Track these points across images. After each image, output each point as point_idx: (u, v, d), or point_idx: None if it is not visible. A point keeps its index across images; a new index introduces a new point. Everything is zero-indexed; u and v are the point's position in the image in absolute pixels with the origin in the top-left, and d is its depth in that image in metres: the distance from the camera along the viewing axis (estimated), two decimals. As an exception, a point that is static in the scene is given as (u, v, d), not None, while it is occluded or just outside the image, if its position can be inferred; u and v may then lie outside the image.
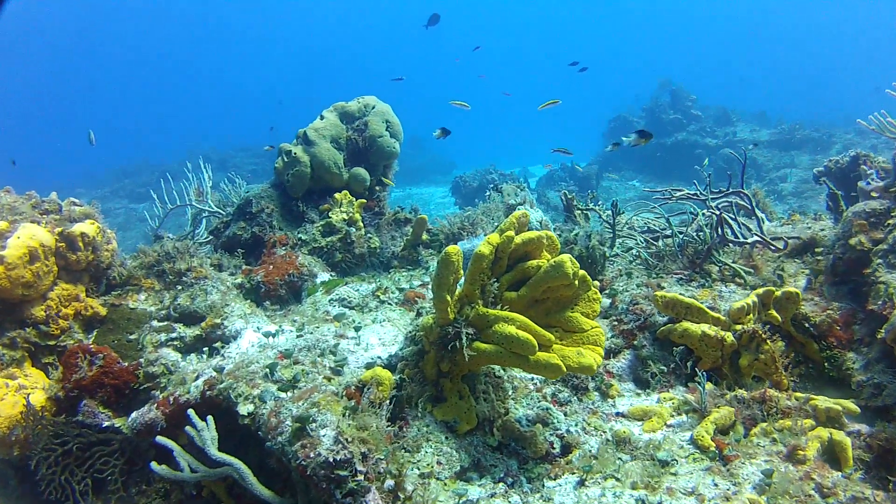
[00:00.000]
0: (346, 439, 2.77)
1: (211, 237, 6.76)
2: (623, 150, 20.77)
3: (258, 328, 4.78)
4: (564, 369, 3.40)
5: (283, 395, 3.31)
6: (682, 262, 5.57)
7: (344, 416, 3.00)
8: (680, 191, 6.67)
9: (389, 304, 5.39)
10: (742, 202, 6.36)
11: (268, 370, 3.59)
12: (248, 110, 57.53)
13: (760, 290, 4.33)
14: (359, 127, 6.77)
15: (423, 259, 6.46)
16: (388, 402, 3.31)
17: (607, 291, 5.00)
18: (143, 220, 23.11)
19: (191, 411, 3.04)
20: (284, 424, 2.99)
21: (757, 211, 6.13)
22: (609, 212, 6.05)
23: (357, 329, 4.32)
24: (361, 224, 6.37)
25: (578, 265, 3.69)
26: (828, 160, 8.93)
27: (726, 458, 3.48)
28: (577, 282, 3.68)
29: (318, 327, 4.60)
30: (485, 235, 6.03)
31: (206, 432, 2.94)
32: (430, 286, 5.76)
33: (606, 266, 5.18)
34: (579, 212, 7.36)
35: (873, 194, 5.29)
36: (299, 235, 6.15)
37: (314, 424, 2.90)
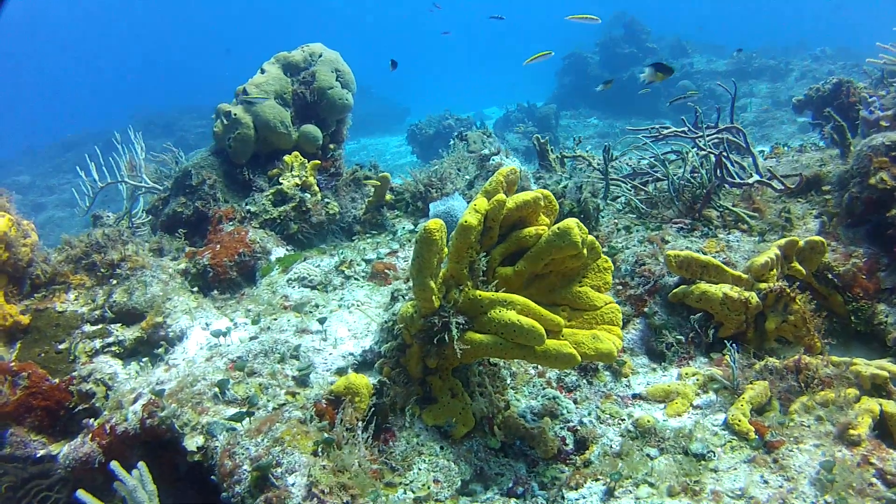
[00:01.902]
0: (323, 490, 2.08)
1: (150, 217, 5.87)
2: (578, 87, 20.01)
3: (206, 325, 4.03)
4: (579, 359, 2.76)
5: (237, 426, 2.59)
6: (677, 209, 4.95)
7: (316, 453, 2.31)
8: (667, 128, 6.01)
9: (356, 279, 4.67)
10: (735, 138, 5.74)
11: (217, 389, 2.86)
12: (193, 66, 54.37)
13: (782, 242, 3.73)
14: (305, 79, 5.89)
15: (388, 222, 5.72)
16: (368, 420, 2.63)
17: (605, 249, 4.36)
18: (86, 196, 21.63)
19: (114, 465, 2.31)
20: (242, 470, 2.28)
21: (752, 147, 5.52)
22: (599, 158, 5.36)
23: (322, 321, 3.59)
24: (317, 188, 5.57)
25: (587, 230, 3.01)
26: (808, 88, 8.36)
27: (770, 444, 2.92)
28: (585, 250, 3.01)
29: (276, 318, 3.86)
30: (458, 193, 5.30)
31: (140, 490, 2.21)
32: (399, 254, 5.04)
33: (600, 220, 4.52)
34: (554, 157, 6.67)
35: (883, 123, 4.70)
36: (248, 207, 5.32)
37: (279, 469, 2.21)
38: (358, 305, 3.92)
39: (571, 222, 2.91)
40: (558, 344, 2.77)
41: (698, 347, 3.68)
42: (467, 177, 5.76)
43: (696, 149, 5.65)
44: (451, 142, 7.67)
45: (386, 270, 4.68)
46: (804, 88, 17.31)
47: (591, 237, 3.07)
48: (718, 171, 4.95)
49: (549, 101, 20.70)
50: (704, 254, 4.25)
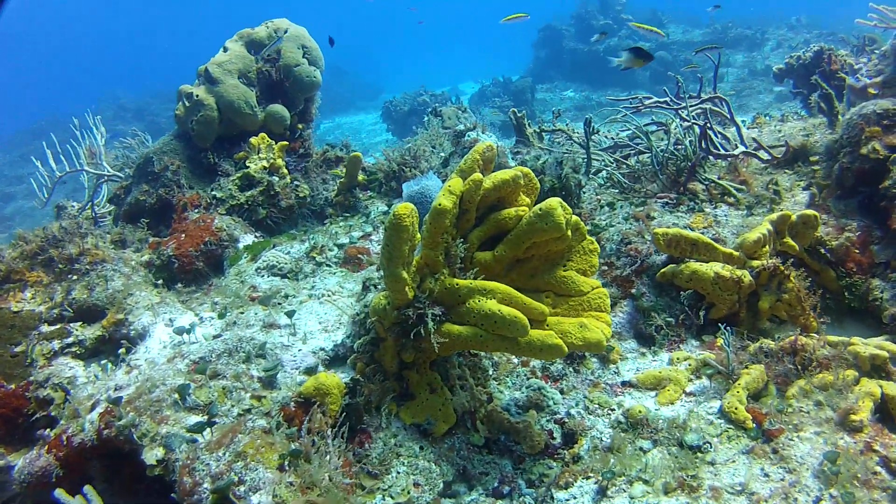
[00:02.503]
0: (288, 511, 1.86)
1: (113, 206, 5.54)
2: (554, 59, 19.69)
3: (171, 321, 3.76)
4: (566, 350, 2.56)
5: (198, 437, 2.34)
6: (662, 183, 4.74)
7: (283, 467, 2.07)
8: (648, 98, 5.77)
9: (328, 265, 4.42)
10: (718, 108, 5.52)
11: (178, 395, 2.61)
12: (162, 49, 52.88)
13: (774, 217, 3.53)
14: (270, 56, 5.56)
15: (360, 203, 5.45)
16: (341, 422, 2.41)
17: (588, 227, 4.13)
18: (61, 182, 20.95)
19: (59, 493, 2.06)
20: (202, 489, 2.05)
21: (736, 118, 5.31)
22: (579, 131, 5.11)
23: (290, 315, 3.34)
24: (286, 171, 5.28)
25: (570, 210, 2.79)
26: (788, 57, 8.16)
27: (769, 433, 2.75)
28: (569, 231, 2.79)
29: (243, 312, 3.60)
30: (433, 171, 5.05)
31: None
32: (372, 237, 4.79)
33: (582, 196, 4.30)
34: (532, 131, 6.42)
35: (871, 91, 4.51)
36: (213, 193, 5.02)
37: (242, 488, 1.97)
38: (329, 295, 3.67)
39: (554, 202, 2.68)
40: (543, 335, 2.56)
41: (689, 330, 3.50)
42: (442, 154, 5.50)
43: (678, 120, 5.43)
44: (426, 118, 7.39)
45: (359, 255, 4.43)
46: (781, 58, 17.20)
47: (575, 218, 2.84)
48: (703, 142, 4.74)
49: (524, 74, 20.34)
50: (692, 230, 4.06)
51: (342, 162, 5.83)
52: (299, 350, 3.07)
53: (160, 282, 4.50)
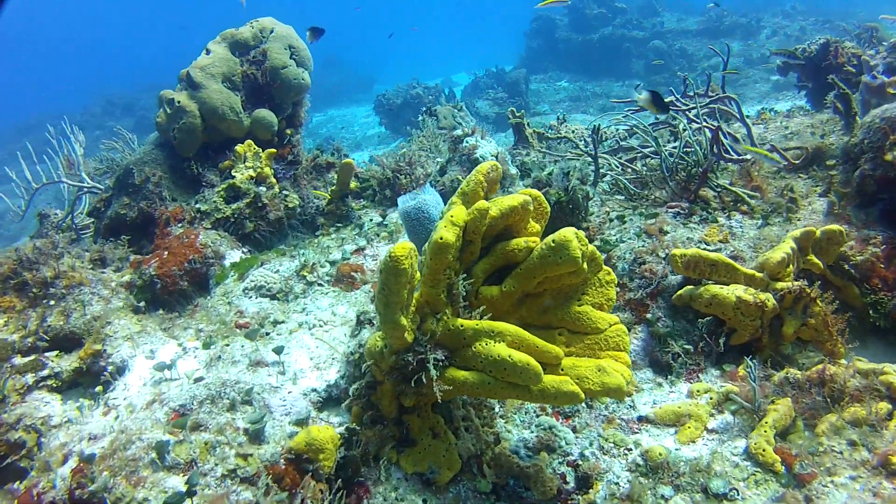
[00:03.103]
0: None
1: (92, 220, 5.25)
2: (548, 49, 19.34)
3: (152, 352, 3.49)
4: (583, 397, 2.30)
5: (172, 511, 2.08)
6: (671, 189, 4.48)
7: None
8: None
9: (319, 284, 4.15)
10: (727, 108, 5.24)
11: (156, 453, 2.35)
12: (151, 42, 51.93)
13: (798, 233, 3.28)
14: (256, 58, 5.25)
15: (353, 213, 5.17)
16: (336, 490, 2.15)
17: (597, 243, 3.88)
18: (43, 190, 20.43)
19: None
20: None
21: (746, 118, 5.04)
22: (582, 129, 4.83)
23: (279, 351, 3.07)
24: (273, 180, 4.99)
25: (587, 241, 2.52)
26: (793, 49, 7.87)
27: (800, 478, 2.51)
28: (585, 264, 2.52)
29: (228, 344, 3.33)
30: (430, 183, 4.77)
31: None
32: (366, 252, 4.52)
33: (590, 208, 4.02)
34: (531, 132, 6.14)
35: (890, 91, 4.24)
36: (198, 206, 4.73)
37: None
38: (321, 326, 3.40)
39: (569, 234, 2.41)
40: (558, 381, 2.30)
41: (708, 357, 3.25)
42: (439, 160, 5.22)
43: (687, 121, 5.16)
44: (420, 118, 7.08)
45: (352, 273, 4.16)
46: (777, 45, 16.91)
47: (591, 247, 2.58)
48: (715, 146, 4.47)
49: (518, 64, 19.99)
50: (707, 245, 3.81)
51: (333, 168, 5.55)
52: (289, 392, 2.81)
53: (142, 304, 4.23)
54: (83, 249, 4.63)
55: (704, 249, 3.78)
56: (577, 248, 2.40)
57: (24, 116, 27.07)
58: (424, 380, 2.35)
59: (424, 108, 6.82)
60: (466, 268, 2.61)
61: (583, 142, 4.61)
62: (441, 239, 2.32)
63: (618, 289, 3.59)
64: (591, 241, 3.93)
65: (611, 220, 4.04)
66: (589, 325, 2.60)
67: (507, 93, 15.66)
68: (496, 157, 4.50)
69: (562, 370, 2.42)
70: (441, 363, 2.38)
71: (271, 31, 5.40)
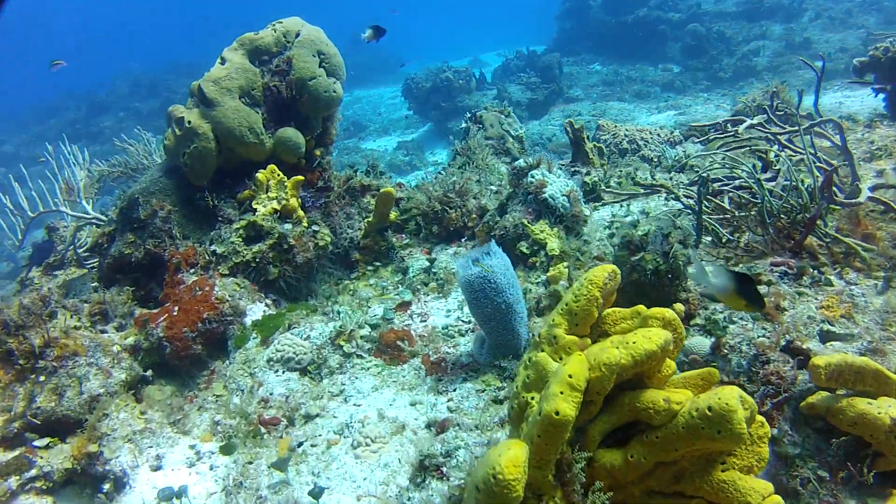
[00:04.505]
0: None
1: (96, 256, 4.46)
2: (581, 31, 18.10)
3: (158, 459, 2.71)
4: None
5: None
6: (770, 236, 3.56)
7: None
8: (739, 121, 4.49)
9: (359, 356, 3.33)
10: (829, 133, 4.26)
11: None
12: (176, 21, 50.55)
13: None
14: (279, 67, 4.37)
15: (394, 250, 4.32)
16: None
17: (700, 321, 2.99)
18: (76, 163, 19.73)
19: None
20: None
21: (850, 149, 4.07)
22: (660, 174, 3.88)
23: (317, 495, 2.26)
24: (301, 212, 4.16)
25: (751, 401, 1.65)
26: (873, 48, 6.75)
27: None
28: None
29: (251, 461, 2.53)
30: (482, 226, 3.89)
31: None
32: (413, 308, 3.69)
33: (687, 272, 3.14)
34: (591, 147, 5.21)
35: None
36: (213, 247, 3.92)
37: None
38: (367, 443, 2.57)
39: (732, 400, 1.58)
40: None
41: (847, 486, 2.38)
42: (492, 187, 4.33)
43: (777, 147, 4.20)
44: (464, 124, 6.18)
45: (398, 342, 3.33)
46: (820, 29, 15.58)
47: (750, 400, 1.71)
48: (826, 190, 3.53)
49: (549, 46, 18.77)
50: (831, 325, 2.94)
51: (369, 191, 4.68)
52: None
53: (149, 372, 3.45)
54: (81, 301, 3.84)
55: (829, 329, 2.93)
56: (741, 420, 1.55)
57: (49, 97, 26.35)
58: None
59: (469, 115, 5.90)
60: (579, 425, 1.77)
61: (680, 185, 3.65)
62: (557, 414, 1.49)
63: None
64: (691, 319, 3.05)
65: None
66: (736, 498, 1.75)
67: (540, 77, 14.55)
68: (569, 196, 3.60)
69: None
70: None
71: (297, 35, 4.50)
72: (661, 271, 2.92)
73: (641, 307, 1.95)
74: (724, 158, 3.88)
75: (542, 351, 1.91)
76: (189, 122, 4.05)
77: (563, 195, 3.59)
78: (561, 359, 1.87)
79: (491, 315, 2.95)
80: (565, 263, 3.45)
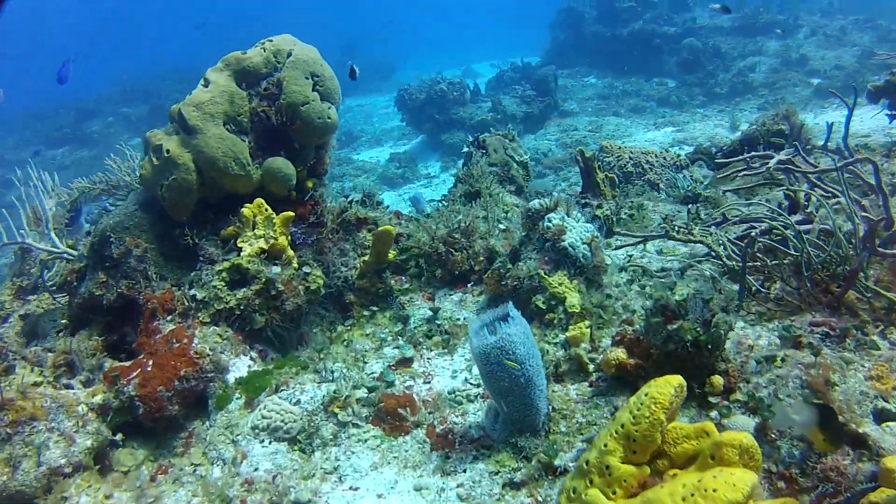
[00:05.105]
0: None
1: (63, 294, 4.02)
2: (575, 43, 17.76)
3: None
4: None
5: None
6: (807, 290, 3.19)
7: None
8: (768, 156, 4.12)
9: (356, 424, 2.92)
10: (859, 170, 3.89)
11: None
12: (168, 28, 49.36)
13: None
14: (269, 91, 3.95)
15: (393, 294, 3.91)
16: None
17: (741, 397, 2.61)
18: (63, 167, 19.12)
19: None
20: None
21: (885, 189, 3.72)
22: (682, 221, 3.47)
23: None
24: (291, 252, 3.74)
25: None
26: (890, 73, 6.42)
27: None
28: None
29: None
30: (492, 273, 3.50)
31: None
32: (415, 365, 3.29)
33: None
34: (602, 177, 4.83)
35: None
36: (193, 292, 3.48)
37: None
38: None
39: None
40: None
41: None
42: (501, 226, 3.93)
43: (808, 186, 3.82)
44: (466, 148, 5.78)
45: (400, 410, 2.92)
46: (816, 46, 15.33)
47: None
48: (870, 239, 3.17)
49: (543, 57, 18.41)
50: (883, 400, 2.59)
51: (365, 225, 4.26)
52: None
53: (119, 436, 3.03)
54: (45, 349, 3.41)
55: (884, 407, 2.59)
56: None
57: (36, 101, 25.62)
58: None
59: (471, 140, 5.50)
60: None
61: (715, 237, 3.23)
62: None
63: (781, 482, 2.33)
64: (730, 393, 2.67)
65: (756, 362, 2.74)
66: None
67: (536, 90, 14.15)
68: (590, 243, 3.20)
69: None
70: None
71: (288, 55, 4.08)
72: (702, 342, 2.53)
73: (708, 425, 1.57)
74: (766, 208, 3.48)
75: (592, 483, 1.51)
76: (168, 151, 3.62)
77: (584, 243, 3.19)
78: (615, 493, 1.47)
79: (508, 389, 2.55)
80: (587, 322, 3.05)
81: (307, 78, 4.07)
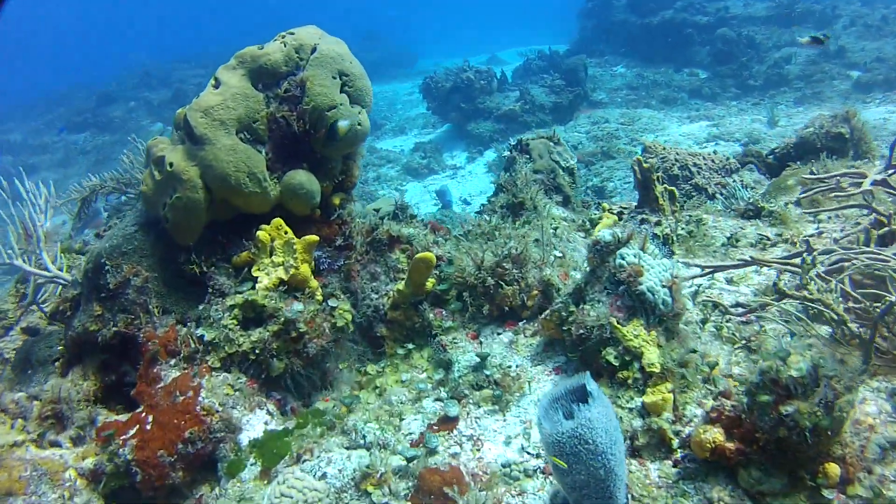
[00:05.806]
0: None
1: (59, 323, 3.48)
2: (604, 31, 16.94)
3: None
4: None
5: None
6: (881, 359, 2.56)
7: None
8: (860, 174, 3.42)
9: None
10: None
11: None
12: (178, 15, 48.35)
13: None
14: (289, 93, 3.35)
15: (432, 328, 3.32)
16: None
17: (862, 492, 2.02)
18: (84, 152, 18.75)
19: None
20: None
21: None
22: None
23: None
24: (314, 282, 3.18)
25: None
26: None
27: None
28: None
29: None
30: (551, 315, 2.90)
31: None
32: (460, 427, 2.72)
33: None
34: (661, 190, 4.21)
35: None
36: (200, 331, 2.92)
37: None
38: None
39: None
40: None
41: None
42: (556, 252, 3.32)
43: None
44: (507, 151, 5.16)
45: (444, 488, 2.35)
46: (854, 37, 14.38)
47: None
48: None
49: (570, 45, 17.60)
50: None
51: (398, 244, 3.68)
52: None
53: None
54: (30, 397, 2.89)
55: None
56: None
57: (57, 86, 25.35)
58: None
59: (513, 143, 4.89)
60: None
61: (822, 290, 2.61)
62: None
63: None
64: (848, 485, 2.06)
65: (880, 448, 2.13)
66: None
67: (565, 80, 13.43)
68: (670, 287, 2.60)
69: None
70: None
71: (313, 51, 3.47)
72: (820, 427, 1.93)
73: None
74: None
75: None
76: (171, 165, 3.05)
77: (664, 286, 2.59)
78: None
79: (584, 483, 1.98)
80: (669, 385, 2.46)
81: (334, 77, 3.46)
